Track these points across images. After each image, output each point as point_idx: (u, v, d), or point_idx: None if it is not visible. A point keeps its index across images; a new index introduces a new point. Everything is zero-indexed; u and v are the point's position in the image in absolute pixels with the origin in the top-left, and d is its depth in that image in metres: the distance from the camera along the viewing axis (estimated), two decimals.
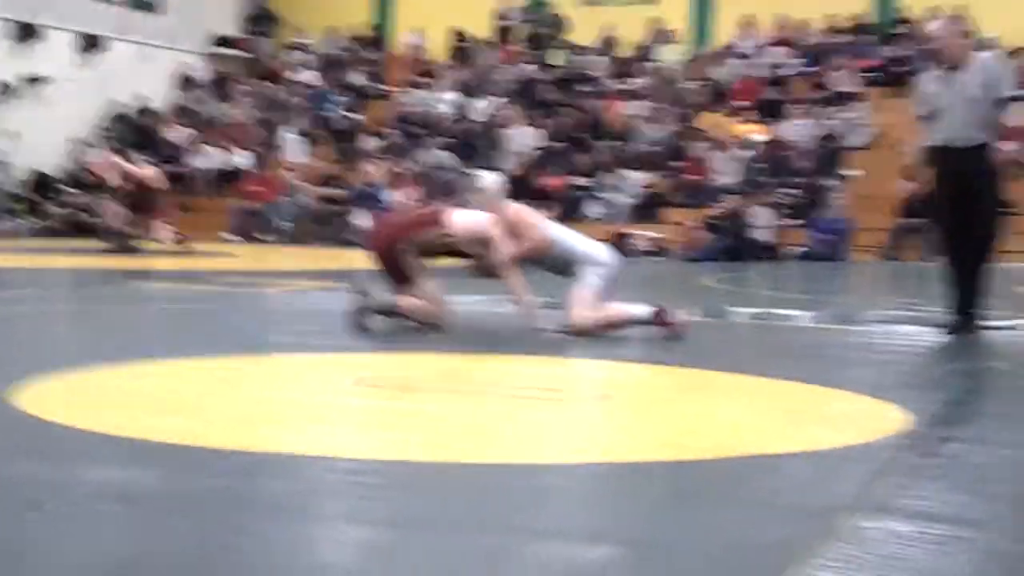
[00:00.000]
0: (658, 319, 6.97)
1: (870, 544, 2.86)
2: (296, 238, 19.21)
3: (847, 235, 17.19)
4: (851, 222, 17.38)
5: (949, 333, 7.35)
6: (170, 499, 3.21)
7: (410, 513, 3.15)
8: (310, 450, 3.81)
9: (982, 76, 7.50)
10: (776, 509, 3.23)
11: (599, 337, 6.87)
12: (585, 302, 6.97)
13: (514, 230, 7.04)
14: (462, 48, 23.79)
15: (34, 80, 20.77)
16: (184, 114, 23.17)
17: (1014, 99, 7.64)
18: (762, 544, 2.89)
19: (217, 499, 3.23)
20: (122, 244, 14.65)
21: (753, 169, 18.72)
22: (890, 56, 20.97)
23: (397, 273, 6.99)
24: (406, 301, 6.97)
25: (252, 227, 19.61)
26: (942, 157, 7.53)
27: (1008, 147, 7.63)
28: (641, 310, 7.06)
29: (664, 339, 6.87)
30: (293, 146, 21.65)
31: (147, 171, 15.52)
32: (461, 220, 7.08)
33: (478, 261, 7.14)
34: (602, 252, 7.24)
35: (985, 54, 8.14)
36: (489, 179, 7.42)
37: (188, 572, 2.56)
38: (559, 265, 7.14)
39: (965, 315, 7.46)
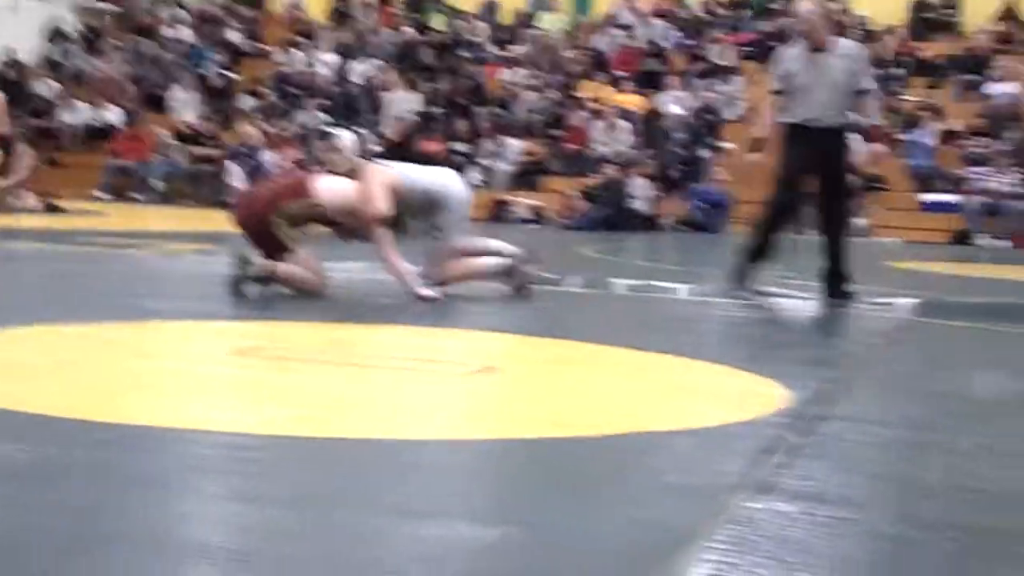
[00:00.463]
0: (511, 272, 7.20)
1: (757, 525, 2.86)
2: (169, 198, 18.84)
3: (726, 207, 17.38)
4: (730, 195, 17.59)
5: (823, 302, 7.57)
6: (40, 474, 3.09)
7: (291, 490, 3.07)
8: (187, 423, 3.70)
9: (846, 62, 7.81)
10: (663, 489, 3.23)
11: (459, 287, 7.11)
12: (444, 257, 7.15)
13: (374, 188, 6.97)
14: (341, 9, 23.48)
15: None
16: (53, 68, 22.52)
17: (866, 91, 8.04)
18: (650, 524, 2.87)
19: (90, 474, 3.12)
20: None
21: (632, 140, 18.82)
22: (766, 31, 21.23)
23: (270, 244, 6.85)
24: (284, 268, 6.84)
25: (124, 186, 19.17)
26: (803, 135, 7.73)
27: (875, 146, 7.95)
28: (496, 262, 7.25)
29: (517, 294, 7.07)
30: (171, 103, 21.18)
31: None
32: (327, 188, 6.97)
33: (346, 226, 7.08)
34: (455, 181, 7.44)
35: (849, 41, 8.47)
36: (346, 137, 7.40)
37: (61, 552, 2.46)
38: (424, 208, 7.14)
39: (834, 287, 7.71)
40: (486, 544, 2.70)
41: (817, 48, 7.82)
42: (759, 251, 7.99)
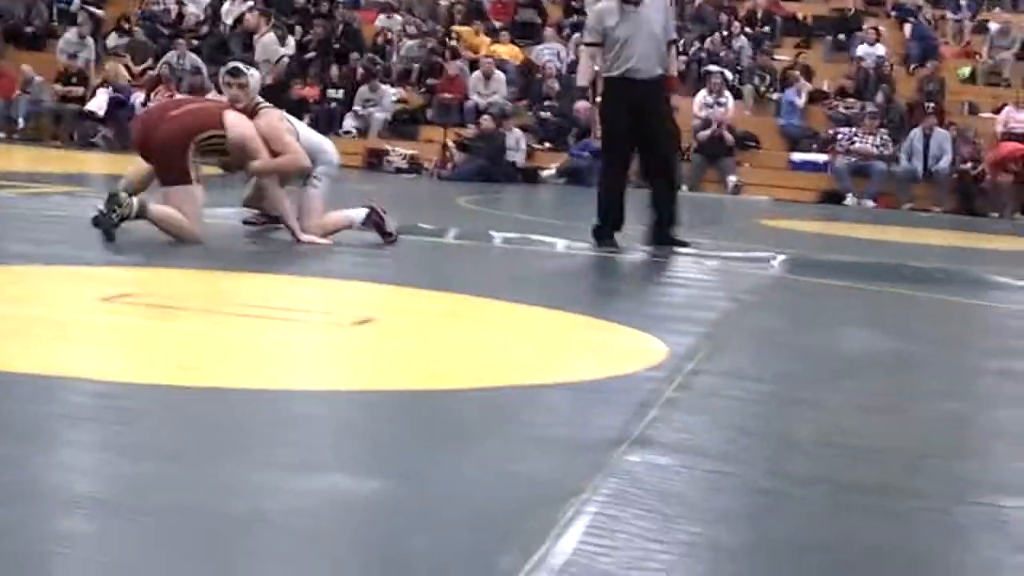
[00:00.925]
0: (373, 220, 7.22)
1: (636, 478, 2.89)
2: (34, 138, 18.32)
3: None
4: None
5: (648, 244, 7.97)
6: None
7: (165, 442, 3.02)
8: (56, 370, 3.61)
9: (663, 15, 8.11)
10: (542, 442, 3.24)
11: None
12: (317, 212, 7.16)
13: (273, 137, 6.92)
14: None
15: None
16: None
17: (674, 41, 8.41)
18: (527, 477, 2.89)
19: None
20: None
21: (508, 91, 18.79)
22: None
23: (172, 172, 6.71)
24: (157, 208, 6.69)
25: None
26: (625, 87, 7.94)
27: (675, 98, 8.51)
28: (358, 213, 7.27)
29: (383, 244, 7.09)
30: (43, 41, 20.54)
31: None
32: (235, 123, 6.87)
33: (231, 161, 7.02)
34: (330, 147, 7.57)
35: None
36: (255, 75, 7.34)
37: None
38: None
39: (662, 234, 8.05)
40: (363, 496, 2.68)
41: (634, 1, 7.99)
42: (610, 208, 8.13)
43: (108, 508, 2.47)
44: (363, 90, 18.86)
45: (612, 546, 2.40)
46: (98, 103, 18.03)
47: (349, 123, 18.62)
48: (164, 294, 5.33)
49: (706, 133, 17.52)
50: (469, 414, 3.56)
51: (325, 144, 7.53)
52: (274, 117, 7.12)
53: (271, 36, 19.96)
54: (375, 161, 17.61)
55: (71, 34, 20.06)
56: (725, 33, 20.07)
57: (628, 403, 3.67)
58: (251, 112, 7.08)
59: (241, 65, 7.53)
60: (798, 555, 2.51)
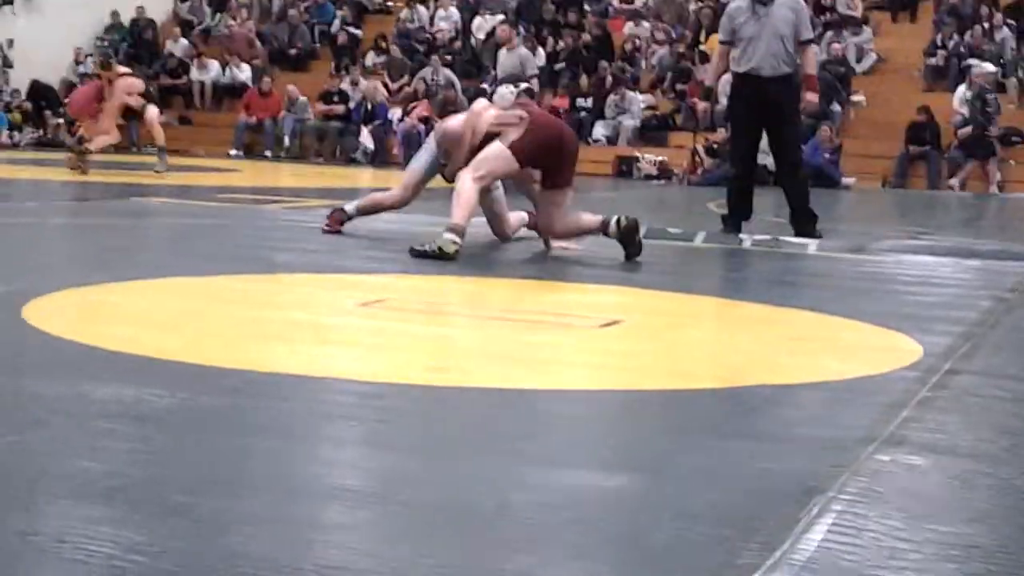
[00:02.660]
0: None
1: (884, 478, 2.84)
2: (299, 154, 19.14)
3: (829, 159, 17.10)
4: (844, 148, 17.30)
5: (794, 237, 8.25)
6: (179, 418, 3.18)
7: (424, 438, 3.13)
8: (315, 371, 3.77)
9: (792, 15, 8.28)
10: (789, 441, 3.20)
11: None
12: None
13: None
14: None
15: None
16: (184, 26, 22.92)
17: (808, 42, 8.57)
18: (776, 474, 2.86)
19: (227, 419, 3.21)
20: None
21: None
22: None
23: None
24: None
25: (255, 143, 19.53)
26: (750, 83, 8.27)
27: (810, 96, 8.60)
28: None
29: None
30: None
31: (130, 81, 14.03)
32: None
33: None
34: None
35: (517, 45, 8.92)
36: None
37: (201, 493, 2.53)
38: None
39: (801, 225, 8.41)
40: (612, 490, 2.71)
41: (761, 0, 8.23)
42: (741, 203, 8.52)
43: (365, 499, 2.58)
44: (612, 98, 18.96)
45: (857, 544, 2.36)
46: (363, 132, 18.67)
47: (599, 131, 18.75)
48: (418, 299, 5.50)
49: (967, 130, 16.91)
50: (717, 413, 3.56)
51: None
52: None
53: (520, 49, 20.28)
54: (625, 168, 17.68)
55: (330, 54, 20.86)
56: (986, 25, 19.33)
57: (879, 403, 3.59)
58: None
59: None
60: None
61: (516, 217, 7.50)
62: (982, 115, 16.88)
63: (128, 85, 13.62)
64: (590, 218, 6.94)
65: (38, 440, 2.90)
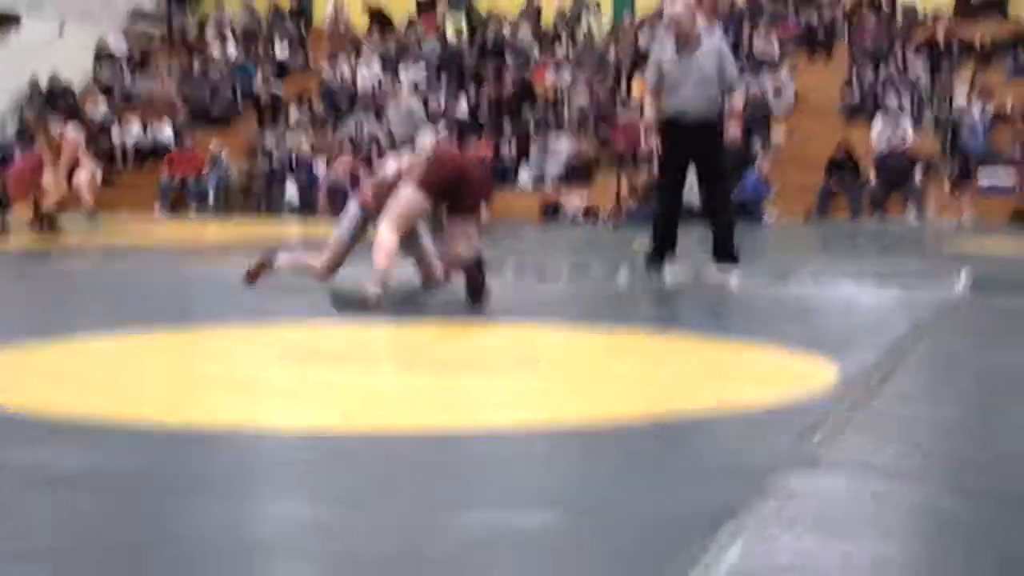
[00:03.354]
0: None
1: (797, 500, 2.85)
2: (223, 211, 19.05)
3: (763, 196, 17.29)
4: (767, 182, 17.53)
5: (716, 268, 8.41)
6: (99, 481, 3.10)
7: (347, 487, 3.09)
8: (241, 425, 3.73)
9: (716, 59, 8.50)
10: (709, 471, 3.21)
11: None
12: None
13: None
14: (381, 19, 23.67)
15: None
16: (103, 89, 22.79)
17: (734, 87, 8.79)
18: (692, 503, 2.86)
19: (149, 479, 3.13)
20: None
21: None
22: (810, 22, 21.23)
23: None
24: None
25: (179, 200, 19.46)
26: (675, 126, 8.55)
27: (732, 131, 8.75)
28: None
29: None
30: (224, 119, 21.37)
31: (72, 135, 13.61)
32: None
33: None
34: None
35: (717, 38, 9.20)
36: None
37: (125, 557, 2.48)
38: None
39: (720, 255, 8.58)
40: (536, 530, 2.69)
41: (687, 44, 8.50)
42: (665, 239, 8.71)
43: (286, 554, 2.54)
44: (537, 143, 19.09)
45: (770, 566, 2.37)
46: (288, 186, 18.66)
47: (524, 176, 18.85)
48: (337, 348, 5.45)
49: (886, 160, 17.23)
50: (637, 447, 3.55)
51: None
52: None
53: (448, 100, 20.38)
54: (551, 212, 17.77)
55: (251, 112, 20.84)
56: (900, 60, 19.75)
57: (796, 427, 3.61)
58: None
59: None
60: (972, 572, 2.43)
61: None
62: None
63: (76, 141, 13.45)
64: (459, 256, 6.97)
65: None
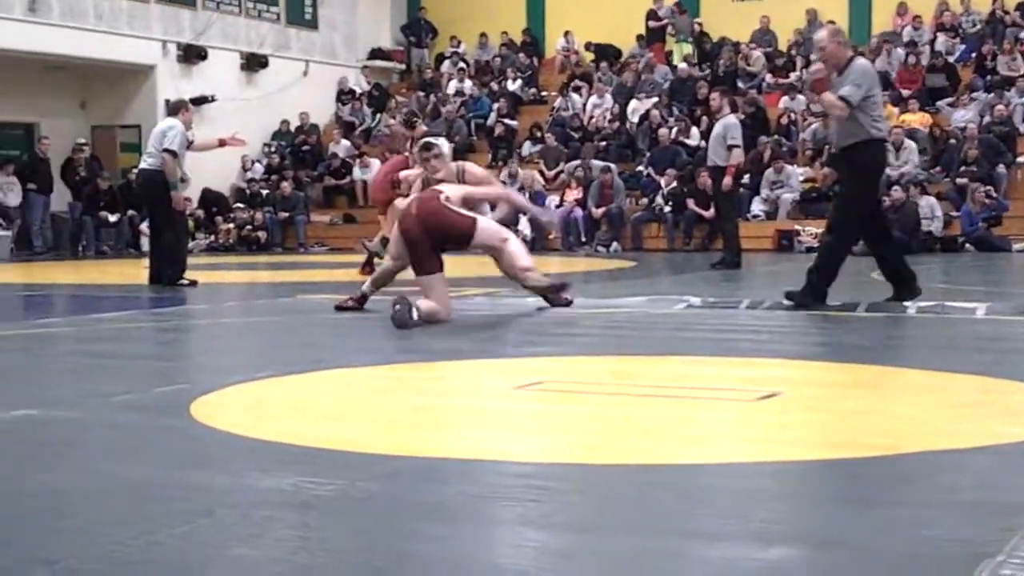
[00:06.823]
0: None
1: None
2: None
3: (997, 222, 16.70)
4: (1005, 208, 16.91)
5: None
6: (341, 505, 3.23)
7: (583, 516, 3.12)
8: (479, 455, 3.80)
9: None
10: (958, 506, 3.11)
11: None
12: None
13: (483, 177, 8.41)
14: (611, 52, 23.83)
15: (200, 100, 21.10)
16: (345, 127, 23.56)
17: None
18: (944, 542, 2.77)
19: (389, 505, 3.23)
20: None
21: (919, 159, 18.24)
22: None
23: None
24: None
25: None
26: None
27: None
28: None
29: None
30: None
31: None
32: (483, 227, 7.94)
33: None
34: None
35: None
36: (444, 143, 8.30)
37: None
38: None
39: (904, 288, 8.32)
40: (781, 564, 2.67)
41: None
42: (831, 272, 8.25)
43: None
44: (769, 172, 18.85)
45: None
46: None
47: (757, 207, 18.62)
48: (571, 380, 5.50)
49: None
50: (883, 480, 3.46)
51: None
52: (470, 164, 8.29)
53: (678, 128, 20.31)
54: (786, 242, 17.50)
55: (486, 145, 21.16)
56: None
57: None
58: (460, 174, 7.96)
59: (431, 139, 8.30)
60: None
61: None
62: None
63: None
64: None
65: (204, 530, 2.98)
